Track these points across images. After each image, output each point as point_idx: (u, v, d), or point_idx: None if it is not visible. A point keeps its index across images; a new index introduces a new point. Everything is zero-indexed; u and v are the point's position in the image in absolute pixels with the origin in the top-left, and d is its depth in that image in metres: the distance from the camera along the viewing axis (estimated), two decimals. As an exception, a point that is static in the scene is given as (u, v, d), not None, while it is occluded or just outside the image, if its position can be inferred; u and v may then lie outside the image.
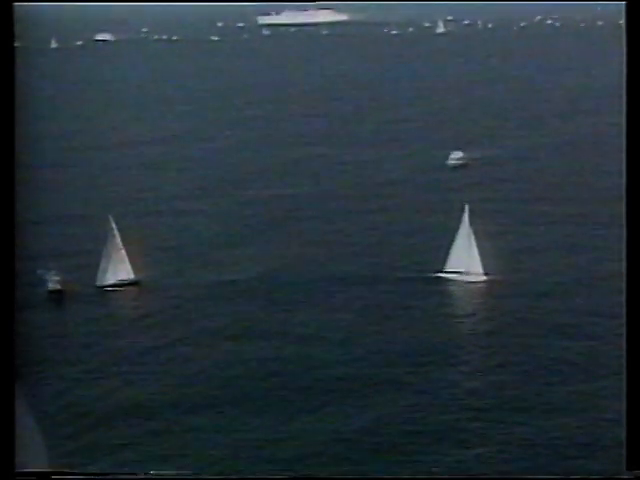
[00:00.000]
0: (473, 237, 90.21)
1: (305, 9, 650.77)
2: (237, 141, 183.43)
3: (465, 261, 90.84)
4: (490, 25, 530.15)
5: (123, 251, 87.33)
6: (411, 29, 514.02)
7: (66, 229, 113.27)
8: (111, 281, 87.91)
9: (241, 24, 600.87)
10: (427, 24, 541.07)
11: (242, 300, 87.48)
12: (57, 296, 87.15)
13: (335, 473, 55.66)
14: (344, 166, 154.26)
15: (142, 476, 44.69)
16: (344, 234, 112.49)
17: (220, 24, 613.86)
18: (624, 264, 27.32)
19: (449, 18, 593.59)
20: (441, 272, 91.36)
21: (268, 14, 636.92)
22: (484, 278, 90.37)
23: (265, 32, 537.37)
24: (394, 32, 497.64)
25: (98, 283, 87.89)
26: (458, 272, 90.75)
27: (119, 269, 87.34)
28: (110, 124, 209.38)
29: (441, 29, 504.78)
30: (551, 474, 56.70)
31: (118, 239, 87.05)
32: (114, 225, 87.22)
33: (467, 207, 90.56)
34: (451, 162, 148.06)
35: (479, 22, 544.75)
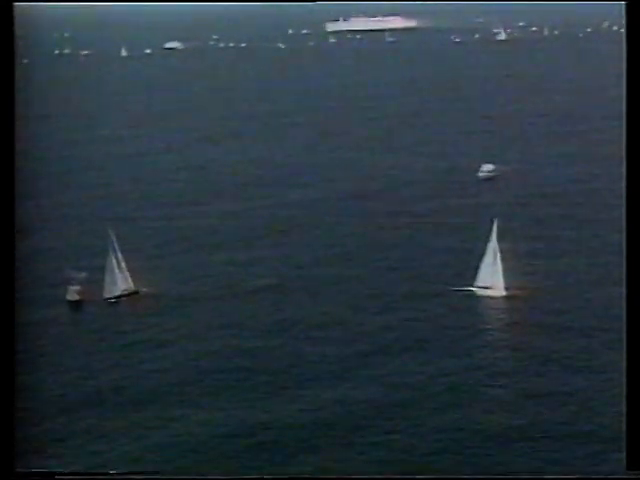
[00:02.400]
0: (499, 253, 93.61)
1: (374, 15, 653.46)
2: (282, 146, 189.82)
3: (490, 277, 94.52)
4: (556, 32, 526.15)
5: (123, 263, 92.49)
6: (477, 36, 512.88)
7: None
8: (115, 293, 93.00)
9: (307, 31, 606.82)
10: (495, 30, 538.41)
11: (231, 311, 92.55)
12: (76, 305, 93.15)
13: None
14: (379, 172, 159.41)
15: (142, 476, 47.60)
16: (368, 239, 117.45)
17: (291, 31, 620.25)
18: (624, 264, 30.29)
19: (521, 24, 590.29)
20: (471, 286, 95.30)
21: (337, 20, 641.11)
22: (504, 293, 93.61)
23: (331, 39, 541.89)
24: (457, 40, 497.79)
25: (105, 295, 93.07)
26: (484, 287, 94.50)
27: (120, 281, 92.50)
28: (164, 128, 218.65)
29: (502, 36, 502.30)
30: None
31: (118, 252, 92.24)
32: (114, 237, 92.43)
33: (495, 223, 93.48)
34: (482, 174, 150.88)
35: (545, 28, 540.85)
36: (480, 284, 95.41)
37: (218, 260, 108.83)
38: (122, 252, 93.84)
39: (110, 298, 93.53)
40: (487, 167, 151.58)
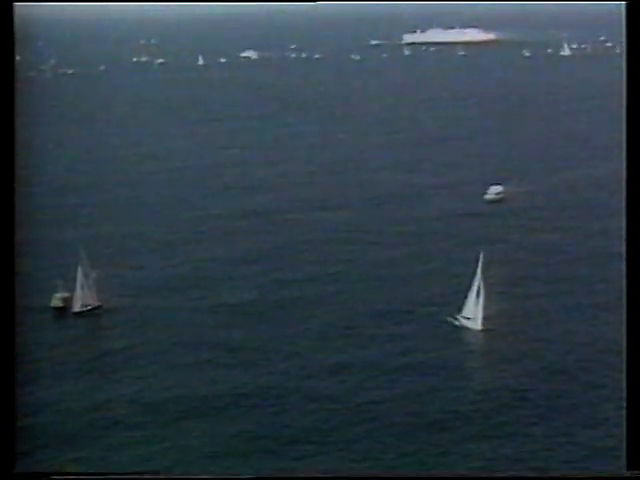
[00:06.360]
0: (482, 287, 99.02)
1: (452, 27, 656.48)
2: (319, 165, 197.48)
3: (473, 309, 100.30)
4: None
5: (91, 280, 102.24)
6: (549, 50, 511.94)
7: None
8: (82, 308, 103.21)
9: (384, 42, 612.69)
10: (574, 45, 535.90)
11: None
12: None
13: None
14: (393, 194, 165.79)
15: (142, 476, 52.36)
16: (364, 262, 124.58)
17: (370, 42, 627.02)
18: (624, 264, 32.18)
19: (601, 38, 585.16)
20: (458, 315, 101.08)
21: (414, 32, 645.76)
22: (480, 327, 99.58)
23: (406, 51, 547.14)
24: (527, 54, 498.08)
25: (74, 309, 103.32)
26: (467, 318, 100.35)
27: (87, 297, 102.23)
28: (220, 139, 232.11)
29: (566, 52, 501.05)
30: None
31: (87, 267, 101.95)
32: (84, 254, 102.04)
33: (481, 256, 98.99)
34: (489, 197, 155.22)
35: (618, 45, 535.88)
36: (465, 315, 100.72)
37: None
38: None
39: (77, 312, 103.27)
40: (495, 189, 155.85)
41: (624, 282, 31.58)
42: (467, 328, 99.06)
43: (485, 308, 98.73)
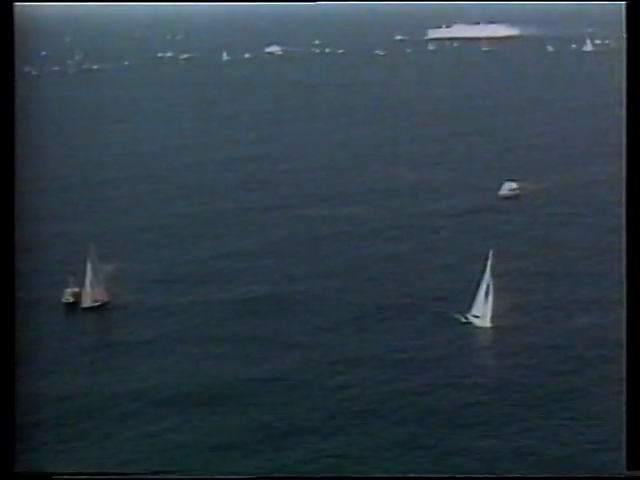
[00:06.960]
0: (491, 286, 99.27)
1: (476, 22, 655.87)
2: (339, 160, 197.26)
3: (482, 307, 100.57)
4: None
5: (100, 275, 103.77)
6: (574, 46, 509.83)
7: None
8: (91, 304, 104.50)
9: (408, 37, 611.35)
10: (597, 41, 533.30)
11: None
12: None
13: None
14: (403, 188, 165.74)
15: (142, 476, 52.79)
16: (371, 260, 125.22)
17: (394, 37, 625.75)
18: (624, 264, 32.49)
19: (625, 35, 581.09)
20: (467, 314, 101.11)
21: (439, 27, 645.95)
22: (489, 325, 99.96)
23: (430, 47, 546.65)
24: (551, 49, 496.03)
25: (82, 305, 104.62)
26: (476, 316, 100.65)
27: (96, 292, 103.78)
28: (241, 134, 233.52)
29: (589, 47, 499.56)
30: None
31: (96, 263, 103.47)
32: (94, 250, 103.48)
33: (491, 254, 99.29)
34: (503, 193, 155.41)
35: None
36: (474, 313, 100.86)
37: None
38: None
39: (86, 307, 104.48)
40: (509, 185, 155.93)
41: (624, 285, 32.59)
42: (475, 325, 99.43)
43: (495, 305, 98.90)
